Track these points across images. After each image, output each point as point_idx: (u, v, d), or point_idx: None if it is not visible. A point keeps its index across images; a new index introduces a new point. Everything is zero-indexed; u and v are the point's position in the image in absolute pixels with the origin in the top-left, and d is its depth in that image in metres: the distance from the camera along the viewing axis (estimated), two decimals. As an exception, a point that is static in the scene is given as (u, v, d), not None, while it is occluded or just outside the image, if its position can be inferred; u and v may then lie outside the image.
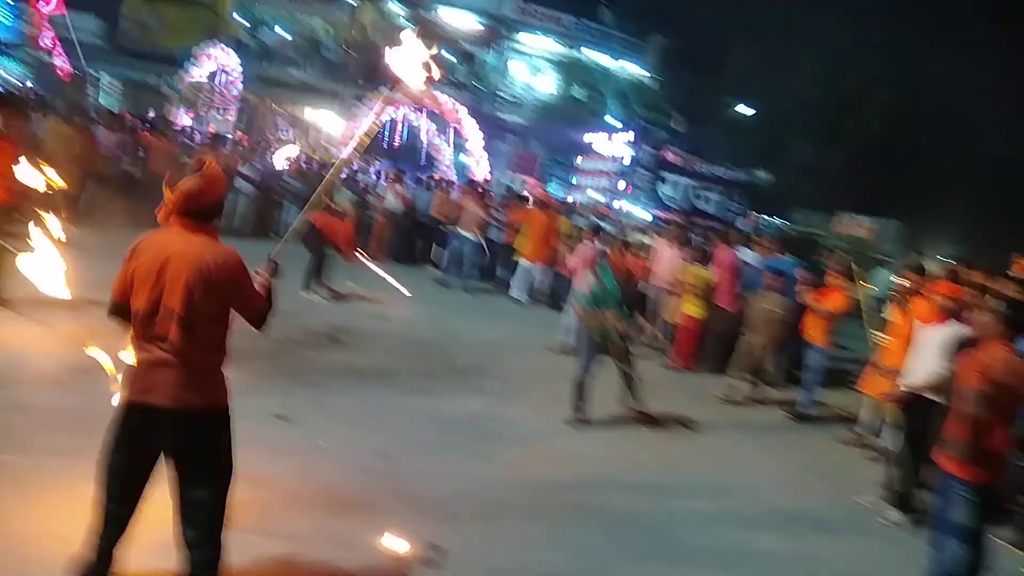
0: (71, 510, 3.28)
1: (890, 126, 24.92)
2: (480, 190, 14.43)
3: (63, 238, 4.36)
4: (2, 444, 4.14)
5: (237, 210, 13.24)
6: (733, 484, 5.75)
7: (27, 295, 6.63)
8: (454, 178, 16.82)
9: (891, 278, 10.34)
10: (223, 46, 19.31)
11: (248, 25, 26.48)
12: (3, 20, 24.45)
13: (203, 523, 2.81)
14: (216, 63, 19.01)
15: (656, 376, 8.68)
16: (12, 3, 24.47)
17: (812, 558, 4.73)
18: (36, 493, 3.74)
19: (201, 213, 2.84)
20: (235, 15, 26.74)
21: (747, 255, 9.59)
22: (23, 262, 4.08)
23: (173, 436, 2.77)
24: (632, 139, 15.00)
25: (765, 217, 23.95)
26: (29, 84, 21.52)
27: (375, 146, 19.13)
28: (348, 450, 4.96)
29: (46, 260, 4.11)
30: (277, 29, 26.47)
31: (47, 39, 16.96)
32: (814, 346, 7.94)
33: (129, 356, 2.84)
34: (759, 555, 4.62)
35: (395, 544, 3.81)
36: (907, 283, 6.73)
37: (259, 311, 2.94)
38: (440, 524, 4.11)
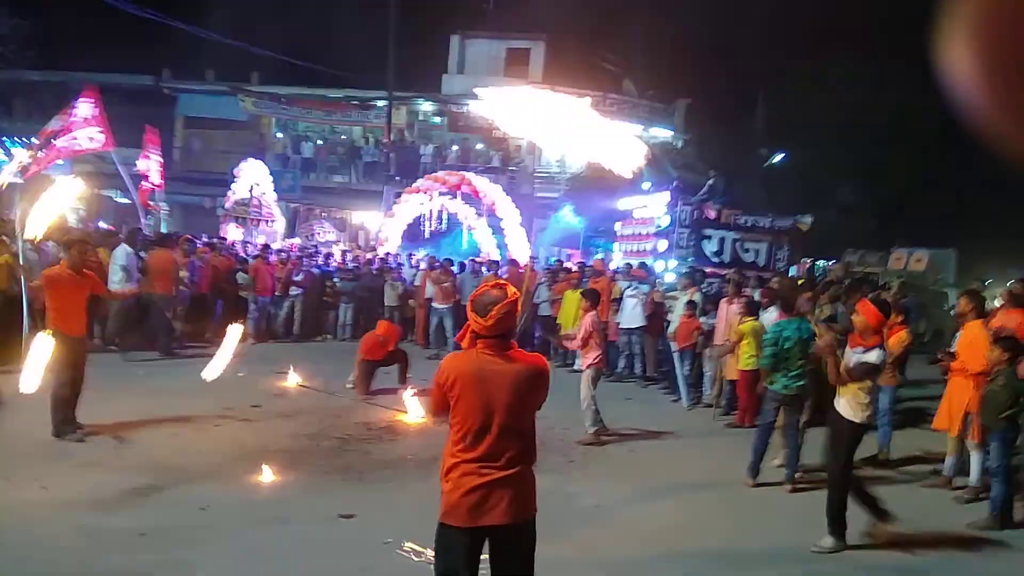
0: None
1: (933, 154, 24.53)
2: (521, 268, 14.61)
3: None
4: (76, 569, 4.23)
5: (294, 315, 13.64)
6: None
7: (95, 419, 6.93)
8: (497, 258, 17.05)
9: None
10: (251, 159, 20.23)
11: (290, 141, 27.82)
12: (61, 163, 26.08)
13: None
14: (249, 177, 19.89)
15: (720, 435, 8.49)
16: None
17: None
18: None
19: (505, 334, 2.99)
20: (277, 133, 28.16)
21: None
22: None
23: (504, 549, 2.97)
24: (669, 200, 15.04)
25: (818, 262, 23.58)
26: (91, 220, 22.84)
27: (416, 235, 19.62)
28: (416, 545, 4.91)
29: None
30: (318, 141, 27.72)
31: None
32: (883, 387, 7.70)
33: (454, 482, 2.97)
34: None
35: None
36: (963, 309, 6.55)
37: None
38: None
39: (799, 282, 12.40)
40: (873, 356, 5.15)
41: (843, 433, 5.24)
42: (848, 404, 5.19)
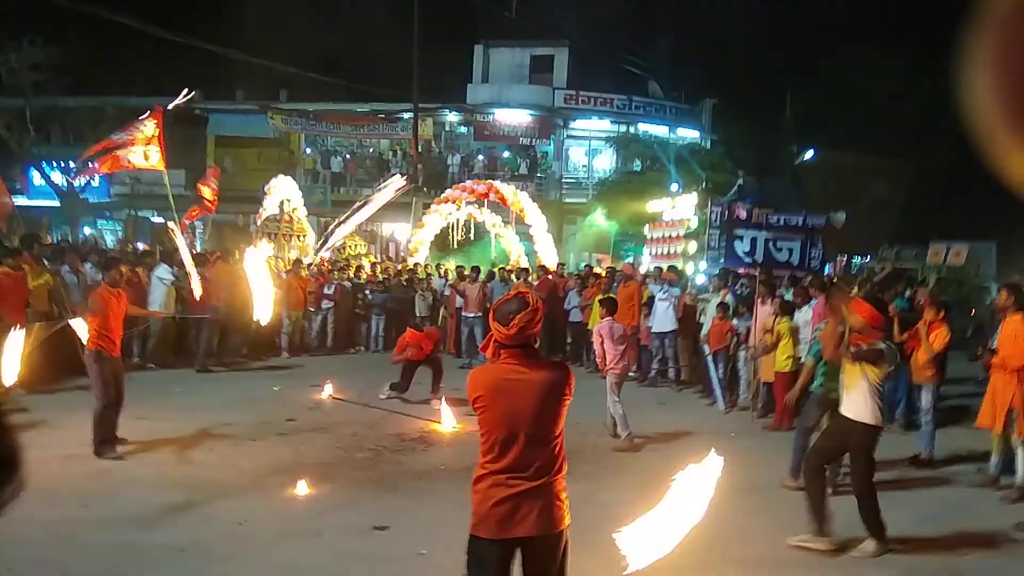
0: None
1: (968, 145, 23.97)
2: (550, 274, 14.59)
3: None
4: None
5: (326, 327, 13.77)
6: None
7: (134, 437, 7.04)
8: (526, 266, 17.05)
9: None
10: (281, 176, 20.48)
11: (319, 156, 28.17)
12: (96, 183, 26.63)
13: None
14: (279, 193, 20.12)
15: (757, 438, 8.36)
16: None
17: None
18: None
19: (528, 342, 2.96)
20: (307, 150, 28.54)
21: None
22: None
23: (536, 561, 2.93)
24: (697, 201, 14.91)
25: (854, 259, 23.18)
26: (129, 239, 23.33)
27: (445, 245, 19.70)
28: (450, 556, 4.89)
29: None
30: (347, 156, 28.03)
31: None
32: (923, 386, 7.53)
33: (483, 493, 2.92)
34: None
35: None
36: (1003, 303, 6.38)
37: None
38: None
39: (834, 280, 12.18)
40: (882, 345, 5.05)
41: (860, 438, 5.09)
42: (863, 407, 5.05)
